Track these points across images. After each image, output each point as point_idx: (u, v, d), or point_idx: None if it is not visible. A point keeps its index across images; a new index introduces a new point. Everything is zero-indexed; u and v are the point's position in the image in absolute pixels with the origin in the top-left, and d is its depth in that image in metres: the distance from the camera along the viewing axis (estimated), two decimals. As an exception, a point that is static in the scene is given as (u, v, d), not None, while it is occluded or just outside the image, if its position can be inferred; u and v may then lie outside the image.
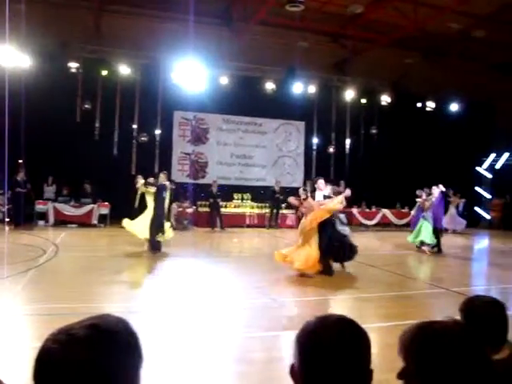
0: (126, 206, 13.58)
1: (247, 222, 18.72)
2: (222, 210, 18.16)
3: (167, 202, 11.68)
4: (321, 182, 9.92)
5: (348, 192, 10.02)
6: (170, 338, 5.30)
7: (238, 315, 6.50)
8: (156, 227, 11.14)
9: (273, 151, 20.66)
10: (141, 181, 11.98)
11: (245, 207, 18.98)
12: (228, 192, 18.92)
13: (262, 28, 17.46)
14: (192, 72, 17.17)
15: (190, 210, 17.75)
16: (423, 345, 1.32)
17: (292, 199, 10.17)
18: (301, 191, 9.81)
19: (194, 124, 19.54)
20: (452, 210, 18.68)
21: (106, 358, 1.03)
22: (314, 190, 10.07)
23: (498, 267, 11.63)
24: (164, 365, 4.36)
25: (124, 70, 17.38)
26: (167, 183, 11.60)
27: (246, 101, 18.89)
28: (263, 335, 5.62)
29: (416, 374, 1.31)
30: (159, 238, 11.19)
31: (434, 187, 14.51)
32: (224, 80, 18.10)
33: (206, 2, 15.67)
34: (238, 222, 18.47)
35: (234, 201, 19.01)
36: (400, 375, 1.35)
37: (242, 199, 19.16)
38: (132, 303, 6.72)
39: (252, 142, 20.28)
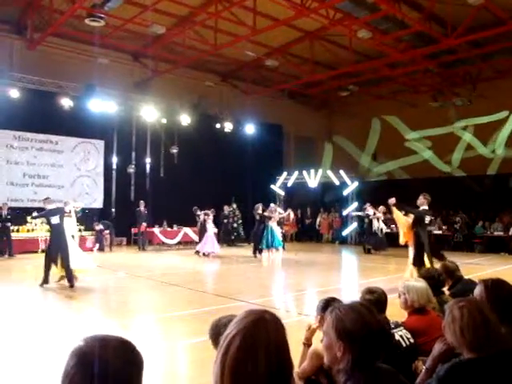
0: None
1: (42, 246, 17.22)
2: (14, 234, 16.57)
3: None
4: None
5: None
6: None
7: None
8: None
9: (70, 171, 19.46)
10: None
11: (39, 231, 17.48)
12: (21, 215, 17.21)
13: (59, 40, 16.59)
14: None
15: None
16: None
17: None
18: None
19: (-21, 140, 17.46)
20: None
21: None
22: None
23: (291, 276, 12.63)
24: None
25: None
26: None
27: (40, 117, 17.40)
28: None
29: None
30: None
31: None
32: (15, 93, 16.45)
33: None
34: (30, 247, 16.89)
35: (27, 224, 17.41)
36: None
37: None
38: None
39: (47, 161, 18.81)
